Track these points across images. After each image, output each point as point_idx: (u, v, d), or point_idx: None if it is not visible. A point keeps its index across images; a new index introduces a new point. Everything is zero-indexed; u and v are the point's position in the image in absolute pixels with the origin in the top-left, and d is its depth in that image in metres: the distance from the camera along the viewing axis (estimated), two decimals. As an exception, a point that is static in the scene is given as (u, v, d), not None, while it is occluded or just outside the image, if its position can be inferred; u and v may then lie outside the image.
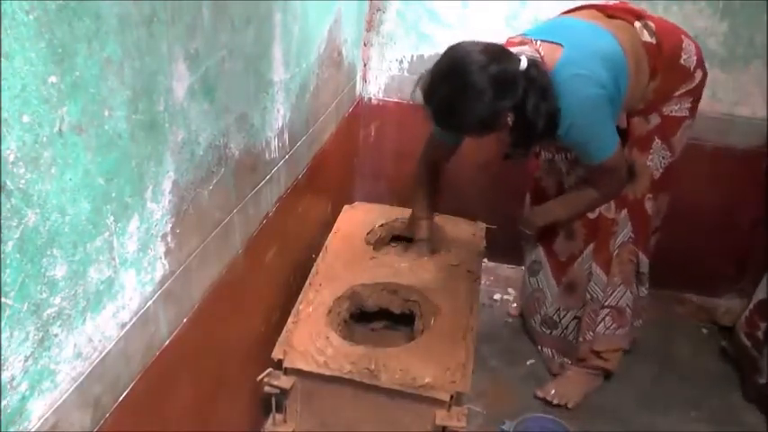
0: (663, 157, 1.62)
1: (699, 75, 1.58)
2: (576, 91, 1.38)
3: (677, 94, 1.56)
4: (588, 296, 1.77)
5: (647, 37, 1.50)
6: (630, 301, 1.77)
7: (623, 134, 1.56)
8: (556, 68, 1.38)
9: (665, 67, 1.51)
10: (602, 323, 1.78)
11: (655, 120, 1.58)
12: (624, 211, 1.67)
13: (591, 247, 1.72)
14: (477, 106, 1.29)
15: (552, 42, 1.42)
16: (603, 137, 1.47)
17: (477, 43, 1.33)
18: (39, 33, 0.62)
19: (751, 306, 1.95)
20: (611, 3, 1.58)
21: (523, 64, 1.32)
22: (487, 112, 1.31)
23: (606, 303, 1.76)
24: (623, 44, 1.45)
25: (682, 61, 1.54)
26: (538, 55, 1.39)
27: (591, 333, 1.79)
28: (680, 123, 1.60)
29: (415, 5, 2.09)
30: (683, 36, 1.57)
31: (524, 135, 1.40)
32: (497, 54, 1.31)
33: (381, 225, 1.95)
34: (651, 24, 1.52)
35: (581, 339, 1.81)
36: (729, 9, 1.88)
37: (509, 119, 1.35)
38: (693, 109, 1.61)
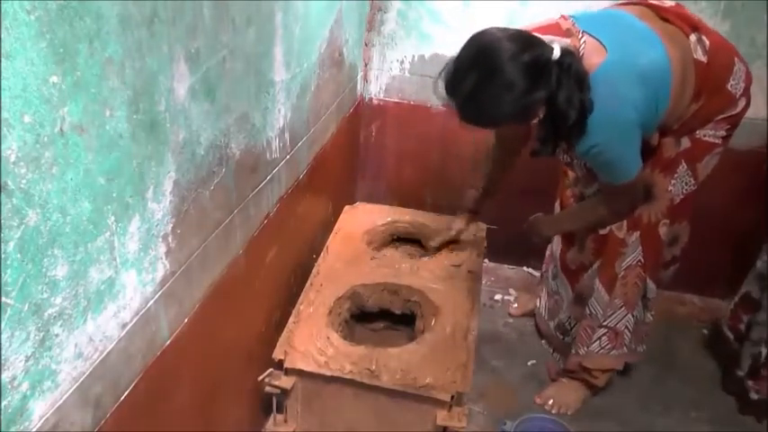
0: (686, 184, 1.53)
1: (742, 103, 1.47)
2: (606, 110, 1.27)
3: (716, 118, 1.46)
4: (588, 311, 1.72)
5: (699, 54, 1.38)
6: (631, 325, 1.69)
7: (651, 152, 1.48)
8: (592, 76, 1.26)
9: (710, 90, 1.41)
10: (598, 341, 1.72)
11: (685, 143, 1.49)
12: (636, 234, 1.57)
13: (598, 262, 1.67)
14: (508, 98, 1.19)
15: (598, 40, 1.31)
16: (626, 162, 1.38)
17: (505, 30, 1.22)
18: (40, 33, 0.62)
19: (736, 299, 1.94)
20: (665, 4, 1.45)
21: (556, 53, 1.20)
22: (519, 105, 1.20)
23: (604, 323, 1.69)
24: (673, 60, 1.33)
25: (729, 86, 1.43)
26: (576, 49, 1.28)
27: (584, 349, 1.74)
28: (710, 150, 1.51)
29: (417, 5, 2.08)
30: (735, 58, 1.44)
31: (555, 128, 1.29)
32: (528, 42, 1.20)
33: (382, 225, 1.95)
34: (706, 41, 1.39)
35: (573, 351, 1.78)
36: (730, 9, 1.87)
37: (540, 111, 1.25)
38: (727, 138, 1.51)
